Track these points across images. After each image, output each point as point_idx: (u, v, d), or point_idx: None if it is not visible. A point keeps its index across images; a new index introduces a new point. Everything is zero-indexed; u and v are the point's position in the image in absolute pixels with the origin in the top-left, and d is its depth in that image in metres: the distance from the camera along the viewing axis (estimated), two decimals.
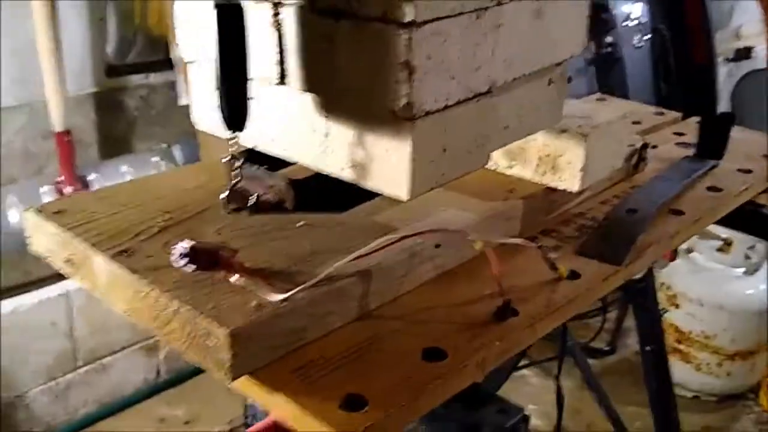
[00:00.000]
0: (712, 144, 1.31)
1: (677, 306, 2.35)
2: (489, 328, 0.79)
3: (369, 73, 0.67)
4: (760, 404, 2.42)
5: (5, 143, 2.09)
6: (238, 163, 0.74)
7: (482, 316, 0.80)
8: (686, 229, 1.09)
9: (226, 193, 0.76)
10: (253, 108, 0.72)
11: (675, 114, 1.60)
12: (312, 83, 0.73)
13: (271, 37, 0.73)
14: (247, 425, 2.29)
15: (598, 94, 1.72)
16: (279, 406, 0.68)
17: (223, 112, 0.69)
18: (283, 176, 0.81)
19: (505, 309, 0.80)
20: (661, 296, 2.41)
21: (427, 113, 0.68)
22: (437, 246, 0.86)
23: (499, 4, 0.71)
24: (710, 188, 1.21)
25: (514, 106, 0.83)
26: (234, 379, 0.68)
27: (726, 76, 3.78)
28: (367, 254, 0.78)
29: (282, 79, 0.75)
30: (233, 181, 0.75)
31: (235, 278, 0.73)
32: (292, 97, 0.76)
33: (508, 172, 1.07)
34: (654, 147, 1.37)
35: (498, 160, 1.07)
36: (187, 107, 2.29)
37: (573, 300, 0.88)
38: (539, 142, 1.02)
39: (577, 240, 0.99)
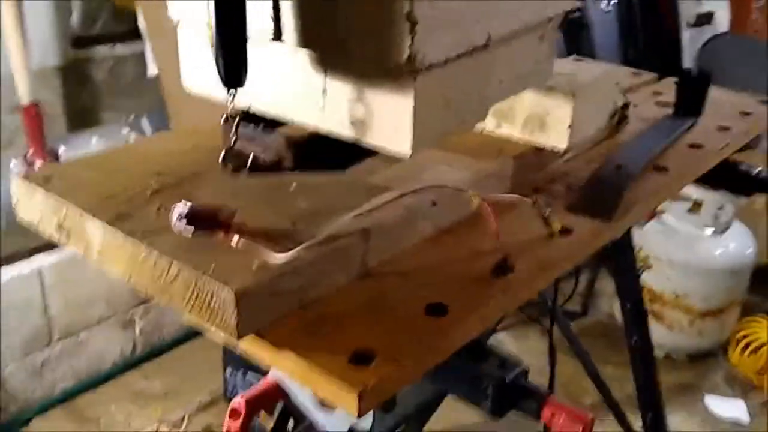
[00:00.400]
0: (690, 102, 1.32)
1: (649, 267, 2.39)
2: (488, 283, 0.79)
3: (370, 26, 0.67)
4: (729, 361, 2.49)
5: None
6: (235, 124, 0.73)
7: (481, 272, 0.80)
8: (670, 185, 1.11)
9: (223, 153, 0.75)
10: (250, 69, 0.71)
11: (651, 75, 1.61)
12: (309, 39, 0.72)
13: None
14: (228, 398, 2.30)
15: (574, 56, 1.73)
16: (287, 364, 0.68)
17: (220, 68, 0.68)
18: (280, 135, 0.80)
19: (503, 265, 0.81)
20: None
21: (429, 66, 0.68)
22: (434, 204, 0.86)
23: None
24: (692, 145, 1.22)
25: (509, 61, 0.83)
26: (240, 337, 0.68)
27: (689, 42, 3.82)
28: (366, 212, 0.78)
29: (278, 35, 0.74)
30: (231, 142, 0.74)
31: (235, 240, 0.73)
32: (288, 54, 0.75)
33: (497, 131, 1.07)
34: (634, 106, 1.38)
35: (486, 121, 1.07)
36: (155, 79, 2.25)
37: (566, 256, 0.89)
38: (526, 101, 1.02)
39: (566, 197, 1.00)
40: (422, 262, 0.82)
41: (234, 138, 0.74)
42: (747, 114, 1.39)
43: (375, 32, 0.66)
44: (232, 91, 0.71)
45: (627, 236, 1.54)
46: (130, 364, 2.40)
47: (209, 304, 0.69)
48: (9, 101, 2.05)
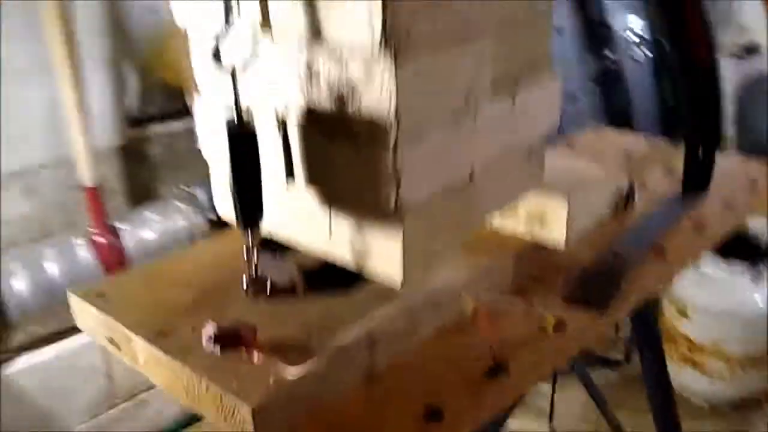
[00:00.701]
0: (697, 175, 1.39)
1: (687, 316, 2.42)
2: (482, 386, 0.88)
3: (361, 178, 0.78)
4: None
5: (40, 198, 2.22)
6: (255, 256, 0.85)
7: (475, 374, 0.90)
8: (669, 271, 1.18)
9: (245, 282, 0.87)
10: (267, 201, 0.83)
11: (665, 144, 1.68)
12: (315, 180, 0.83)
13: (278, 143, 0.84)
14: None
15: (595, 126, 1.81)
16: None
17: (237, 212, 0.80)
18: (294, 262, 0.92)
19: (496, 369, 0.90)
20: (671, 307, 2.49)
21: (414, 207, 0.79)
22: (435, 307, 0.96)
23: (475, 105, 0.82)
24: (694, 227, 1.29)
25: (496, 182, 0.92)
26: None
27: (731, 74, 3.80)
28: (371, 324, 0.88)
29: (290, 173, 0.85)
30: (250, 274, 0.86)
31: (255, 356, 0.84)
32: (300, 190, 0.86)
33: (501, 226, 1.16)
34: (642, 183, 1.46)
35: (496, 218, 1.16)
36: None
37: (560, 352, 0.98)
38: (526, 199, 1.12)
39: (564, 288, 1.09)
40: (423, 361, 0.92)
41: (253, 270, 0.85)
42: (753, 183, 1.45)
43: (366, 183, 0.77)
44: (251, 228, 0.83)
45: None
46: (190, 420, 2.53)
47: (233, 414, 0.81)
48: (74, 181, 2.24)
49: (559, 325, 0.99)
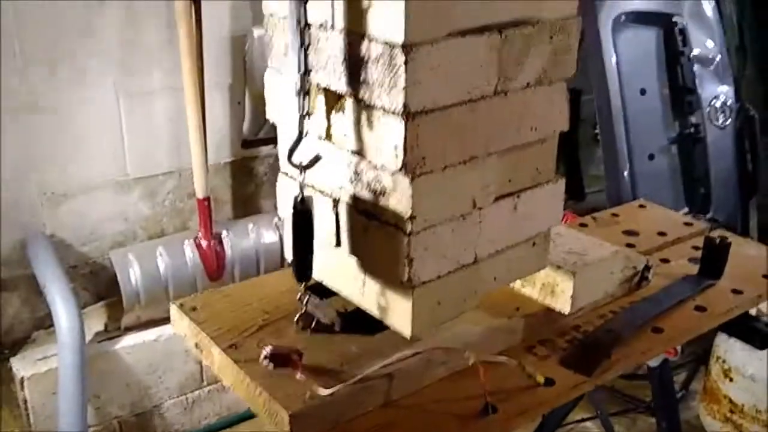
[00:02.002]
0: (711, 266, 1.57)
1: (731, 379, 2.54)
2: (475, 422, 1.13)
3: (384, 257, 1.04)
4: None
5: (159, 202, 2.59)
6: (305, 299, 1.12)
7: (471, 412, 1.14)
8: (660, 346, 1.38)
9: (296, 318, 1.15)
10: (322, 257, 1.11)
11: (702, 225, 1.85)
12: (354, 251, 1.10)
13: (331, 218, 1.11)
14: None
15: (642, 200, 2.00)
16: None
17: (294, 269, 1.08)
18: (334, 306, 1.19)
19: (487, 408, 1.14)
20: (717, 368, 2.62)
21: (424, 282, 1.04)
22: (448, 355, 1.21)
23: (479, 209, 1.06)
24: (697, 307, 1.48)
25: (501, 264, 1.16)
26: None
27: None
28: (390, 363, 1.14)
29: (338, 243, 1.13)
30: (301, 312, 1.14)
31: (298, 375, 1.11)
32: (344, 255, 1.13)
33: (521, 291, 1.39)
34: (666, 261, 1.65)
35: (517, 283, 1.39)
36: None
37: (545, 403, 1.20)
38: (542, 272, 1.34)
39: (564, 351, 1.31)
40: (434, 396, 1.17)
41: (303, 309, 1.13)
42: None
43: (389, 258, 1.03)
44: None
45: (664, 365, 1.78)
46: (252, 414, 2.85)
47: (275, 417, 1.08)
48: (189, 189, 2.59)
49: (549, 382, 1.22)
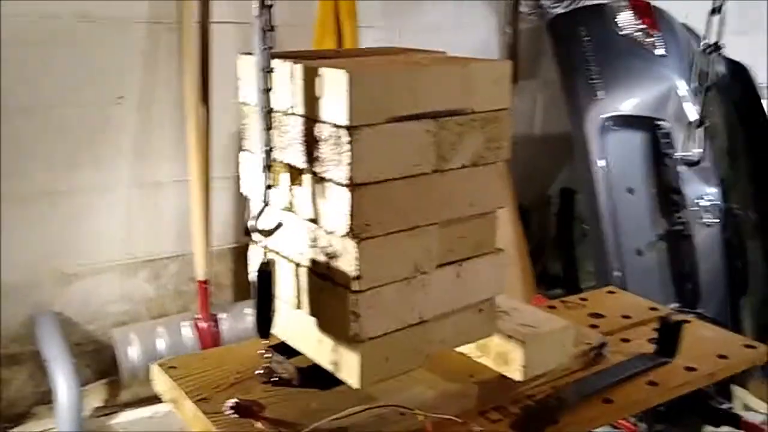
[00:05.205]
0: (666, 345, 1.66)
1: None
2: None
3: (338, 313, 1.16)
4: None
5: (163, 285, 2.74)
6: (267, 355, 1.24)
7: None
8: (609, 415, 1.46)
9: (259, 372, 1.27)
10: (285, 319, 1.23)
11: (666, 309, 1.95)
12: (312, 312, 1.23)
13: (293, 281, 1.25)
14: None
15: (611, 287, 2.10)
16: None
17: (256, 326, 1.20)
18: (293, 363, 1.31)
19: None
20: None
21: (371, 338, 1.16)
22: (401, 414, 1.31)
23: (423, 273, 1.19)
24: (650, 382, 1.56)
25: (448, 327, 1.28)
26: None
27: None
28: (345, 416, 1.24)
29: (299, 305, 1.25)
30: (263, 367, 1.25)
31: (259, 425, 1.22)
32: (304, 316, 1.26)
33: (477, 359, 1.49)
34: (627, 341, 1.74)
35: (472, 350, 1.50)
36: None
37: None
38: (495, 342, 1.45)
39: (516, 416, 1.40)
40: None
41: (266, 364, 1.25)
42: (723, 357, 1.69)
43: (339, 316, 1.15)
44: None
45: None
46: None
47: None
48: (191, 273, 2.74)
49: None
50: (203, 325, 2.62)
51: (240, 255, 2.92)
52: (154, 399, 2.56)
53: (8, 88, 2.34)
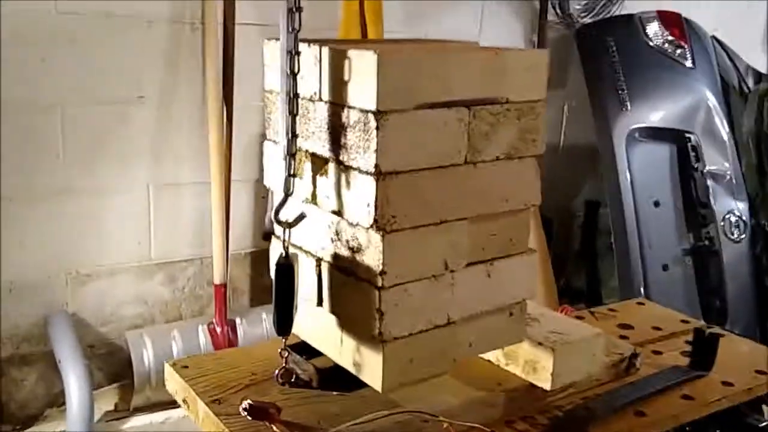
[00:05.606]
0: (702, 358, 1.59)
1: None
2: None
3: (361, 310, 1.10)
4: None
5: (179, 288, 2.69)
6: (286, 354, 1.18)
7: None
8: (641, 429, 1.38)
9: (277, 373, 1.21)
10: (304, 317, 1.17)
11: (699, 323, 1.87)
12: (334, 309, 1.17)
13: (314, 277, 1.19)
14: None
15: (641, 298, 2.03)
16: None
17: (275, 323, 1.14)
18: (312, 364, 1.24)
19: None
20: None
21: (395, 338, 1.09)
22: (425, 421, 1.24)
23: (452, 271, 1.13)
24: (685, 396, 1.49)
25: (476, 331, 1.21)
26: None
27: None
28: (366, 422, 1.18)
29: (320, 303, 1.19)
30: (281, 367, 1.19)
31: (275, 428, 1.16)
32: (325, 314, 1.20)
33: (505, 367, 1.42)
34: (659, 353, 1.67)
35: (499, 358, 1.43)
36: None
37: None
38: (524, 349, 1.38)
39: (543, 427, 1.33)
40: None
41: (284, 365, 1.19)
42: (761, 373, 1.61)
43: (363, 314, 1.09)
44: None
45: None
46: None
47: None
48: (208, 276, 2.69)
49: None
50: (219, 329, 2.56)
51: (257, 260, 2.87)
52: (167, 404, 2.51)
53: (28, 85, 2.32)
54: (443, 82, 1.03)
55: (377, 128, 0.99)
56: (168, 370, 1.37)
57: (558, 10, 3.41)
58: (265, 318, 2.69)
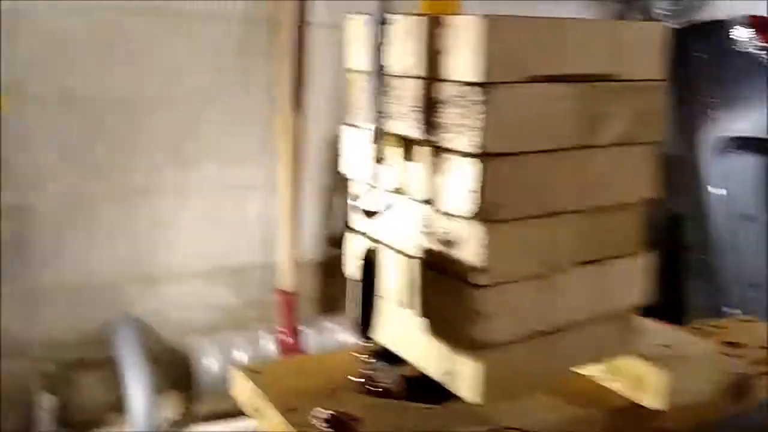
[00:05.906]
0: None
1: None
2: None
3: (455, 312, 0.98)
4: None
5: (245, 294, 2.61)
6: (368, 360, 1.07)
7: None
8: None
9: (359, 380, 1.09)
10: (387, 320, 1.05)
11: None
12: (423, 310, 1.04)
13: (398, 276, 1.07)
14: None
15: (746, 316, 1.85)
16: None
17: (357, 326, 1.03)
18: (400, 372, 1.12)
19: None
20: None
21: (494, 345, 0.97)
22: None
23: (557, 272, 0.99)
24: None
25: (581, 340, 1.07)
26: None
27: None
28: None
29: (406, 304, 1.07)
30: (364, 374, 1.07)
31: None
32: (411, 317, 1.08)
33: (607, 384, 1.28)
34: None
35: (600, 373, 1.29)
36: None
37: None
38: (630, 363, 1.24)
39: None
40: None
41: (367, 372, 1.07)
42: None
43: (458, 316, 0.97)
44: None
45: None
46: None
47: None
48: (273, 283, 2.61)
49: None
50: (286, 338, 2.46)
51: (323, 268, 2.78)
52: (231, 413, 2.42)
53: (101, 84, 2.28)
54: (559, 52, 0.91)
55: (483, 102, 0.87)
56: (237, 375, 1.27)
57: (640, 14, 3.25)
58: (332, 327, 2.59)
